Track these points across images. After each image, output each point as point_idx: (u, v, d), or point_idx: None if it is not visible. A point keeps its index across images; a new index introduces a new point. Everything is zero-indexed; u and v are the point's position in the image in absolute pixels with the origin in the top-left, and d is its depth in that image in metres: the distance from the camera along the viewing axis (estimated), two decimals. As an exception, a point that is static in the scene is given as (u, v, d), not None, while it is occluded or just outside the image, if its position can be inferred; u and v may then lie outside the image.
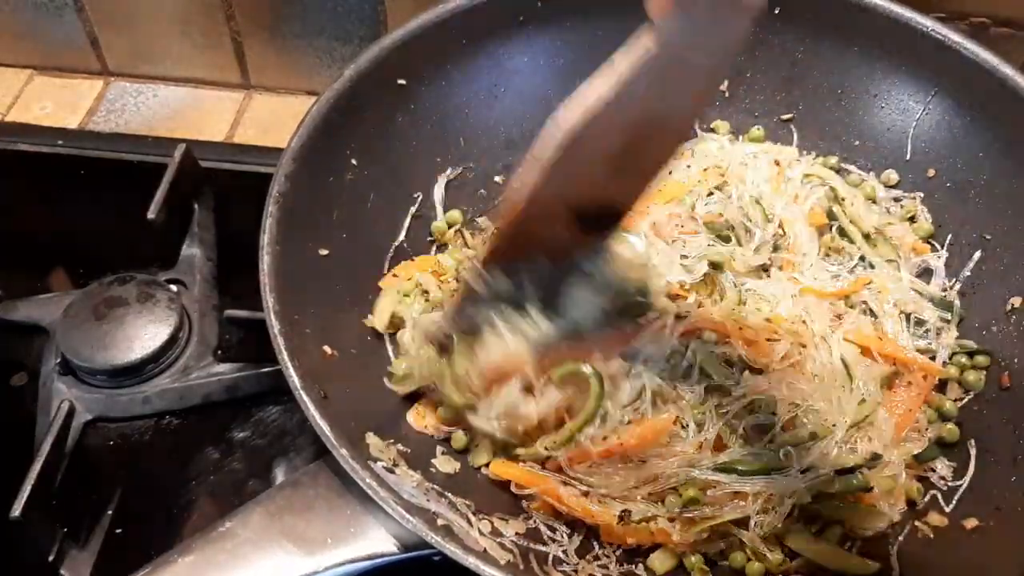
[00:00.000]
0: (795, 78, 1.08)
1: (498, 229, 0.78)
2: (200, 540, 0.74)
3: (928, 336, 0.95)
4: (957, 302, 0.97)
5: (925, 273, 1.00)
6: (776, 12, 1.05)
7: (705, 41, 0.62)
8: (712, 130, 1.09)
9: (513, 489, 0.85)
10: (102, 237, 1.17)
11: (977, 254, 0.98)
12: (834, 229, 1.00)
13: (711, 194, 1.01)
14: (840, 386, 0.86)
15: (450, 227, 1.04)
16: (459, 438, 0.88)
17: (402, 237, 1.02)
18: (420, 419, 0.89)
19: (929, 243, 1.01)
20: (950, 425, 0.89)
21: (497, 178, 1.08)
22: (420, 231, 1.04)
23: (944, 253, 1.00)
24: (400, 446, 0.84)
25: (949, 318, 0.95)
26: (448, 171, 1.06)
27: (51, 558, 0.87)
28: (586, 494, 0.83)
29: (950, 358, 0.93)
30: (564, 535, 0.82)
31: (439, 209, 1.05)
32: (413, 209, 1.03)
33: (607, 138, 0.68)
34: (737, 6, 0.60)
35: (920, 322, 0.96)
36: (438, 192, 1.05)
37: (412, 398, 0.91)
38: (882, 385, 0.88)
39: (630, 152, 0.70)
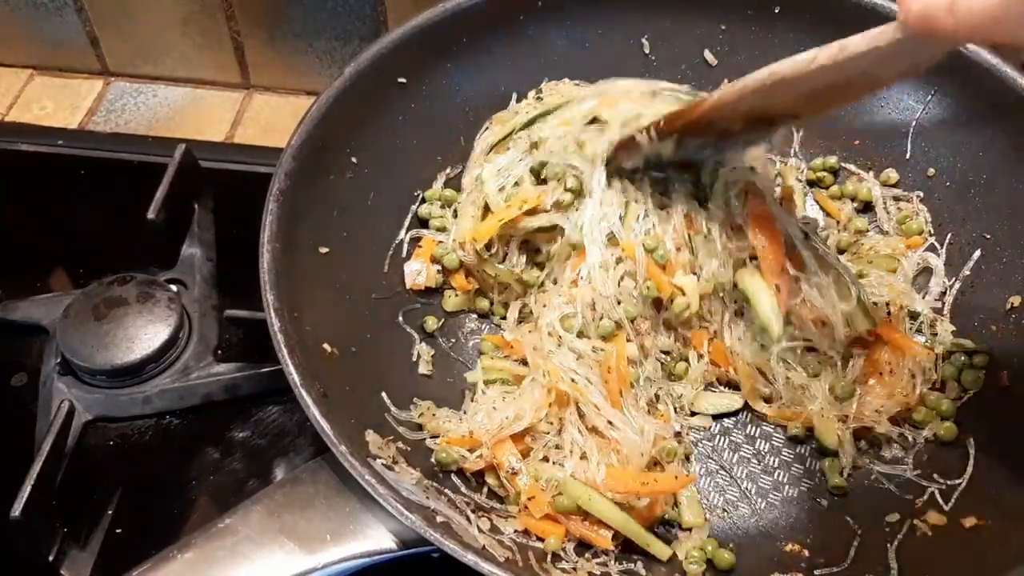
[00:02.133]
0: (795, 77, 1.08)
1: (680, 114, 0.88)
2: (200, 537, 0.74)
3: (923, 331, 0.95)
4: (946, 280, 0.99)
5: (925, 272, 1.01)
6: (776, 11, 1.05)
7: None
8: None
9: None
10: (102, 237, 1.17)
11: (977, 253, 0.98)
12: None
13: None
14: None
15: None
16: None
17: (402, 235, 1.02)
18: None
19: (930, 244, 1.02)
20: (948, 424, 0.89)
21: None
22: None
23: (944, 252, 1.00)
24: (399, 444, 0.84)
25: (941, 307, 0.96)
26: (448, 170, 1.06)
27: (51, 558, 0.87)
28: (585, 517, 0.82)
29: (948, 357, 0.93)
30: (563, 533, 0.82)
31: (438, 208, 1.05)
32: (414, 207, 1.03)
33: (809, 84, 0.75)
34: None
35: (914, 315, 0.96)
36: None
37: (411, 395, 0.91)
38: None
39: (825, 92, 0.77)
